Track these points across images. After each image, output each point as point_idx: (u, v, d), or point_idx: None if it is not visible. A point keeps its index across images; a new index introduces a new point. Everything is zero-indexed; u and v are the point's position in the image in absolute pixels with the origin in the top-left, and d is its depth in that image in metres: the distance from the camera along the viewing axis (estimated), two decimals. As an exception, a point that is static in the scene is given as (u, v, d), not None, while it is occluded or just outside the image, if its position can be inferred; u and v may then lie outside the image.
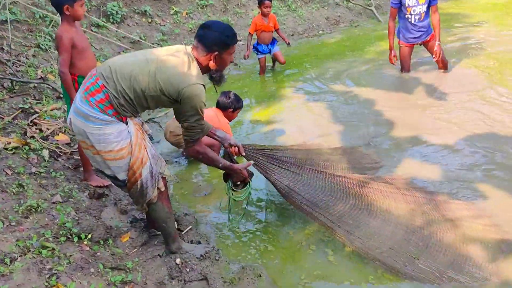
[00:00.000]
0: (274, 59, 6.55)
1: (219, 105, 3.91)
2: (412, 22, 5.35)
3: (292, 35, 8.35)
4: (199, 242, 2.94)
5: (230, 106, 3.86)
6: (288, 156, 3.20)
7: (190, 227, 3.09)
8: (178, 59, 2.40)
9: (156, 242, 2.89)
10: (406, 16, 5.37)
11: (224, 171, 2.95)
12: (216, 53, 2.45)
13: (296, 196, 2.97)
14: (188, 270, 2.60)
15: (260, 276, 2.67)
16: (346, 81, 6.07)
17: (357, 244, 2.80)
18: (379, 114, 4.90)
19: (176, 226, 3.09)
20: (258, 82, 6.33)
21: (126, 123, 2.41)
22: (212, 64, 2.48)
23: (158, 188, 2.56)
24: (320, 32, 8.70)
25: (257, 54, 6.35)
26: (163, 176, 2.60)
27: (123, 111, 2.37)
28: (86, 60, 3.25)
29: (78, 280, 2.23)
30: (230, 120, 3.97)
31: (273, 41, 6.28)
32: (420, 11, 5.27)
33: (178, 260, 2.67)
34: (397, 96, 5.40)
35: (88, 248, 2.58)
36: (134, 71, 2.33)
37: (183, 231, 3.04)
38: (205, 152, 2.65)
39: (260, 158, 3.04)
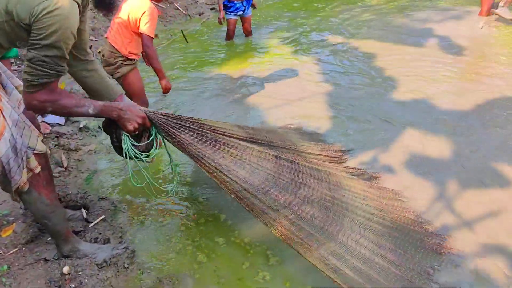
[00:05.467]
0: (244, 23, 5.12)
1: None
2: None
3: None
4: (108, 240, 2.18)
5: None
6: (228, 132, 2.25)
7: (103, 217, 2.33)
8: None
9: (49, 238, 2.14)
10: None
11: (104, 121, 1.95)
12: None
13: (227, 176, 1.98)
14: (74, 285, 1.85)
15: (182, 294, 1.93)
16: (344, 32, 5.15)
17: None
18: (374, 77, 4.03)
19: (85, 216, 2.34)
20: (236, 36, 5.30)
21: None
22: None
23: (30, 170, 1.77)
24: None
25: (226, 14, 4.97)
26: (37, 152, 1.79)
27: None
28: None
29: None
30: (159, 1, 3.06)
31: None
32: None
33: (65, 269, 1.92)
34: (400, 50, 4.52)
35: None
36: None
37: (91, 222, 2.28)
38: (56, 99, 1.64)
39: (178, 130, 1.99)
